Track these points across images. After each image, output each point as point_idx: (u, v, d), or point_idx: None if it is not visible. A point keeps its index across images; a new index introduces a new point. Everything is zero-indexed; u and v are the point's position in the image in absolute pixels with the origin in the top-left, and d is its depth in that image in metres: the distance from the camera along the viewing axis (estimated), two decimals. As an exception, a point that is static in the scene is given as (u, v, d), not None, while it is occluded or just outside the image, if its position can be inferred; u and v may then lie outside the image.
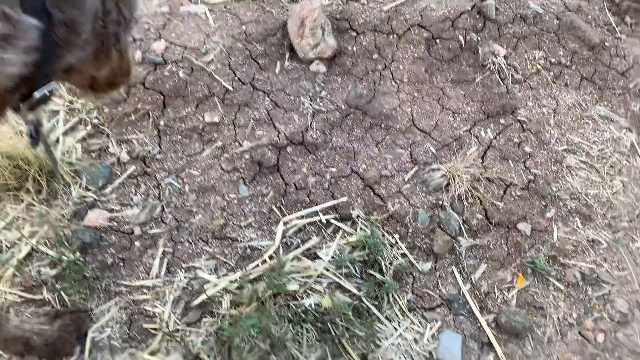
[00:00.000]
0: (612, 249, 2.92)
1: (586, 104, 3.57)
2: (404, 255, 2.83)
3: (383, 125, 3.32)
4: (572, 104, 3.54)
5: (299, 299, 2.64)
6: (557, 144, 3.31)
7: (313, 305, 2.59)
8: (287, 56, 3.48)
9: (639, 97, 3.61)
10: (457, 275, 2.79)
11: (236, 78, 3.35)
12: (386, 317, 2.65)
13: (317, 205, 2.94)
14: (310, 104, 3.30)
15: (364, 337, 2.55)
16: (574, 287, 2.78)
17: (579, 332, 2.64)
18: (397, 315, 2.66)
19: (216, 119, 3.25)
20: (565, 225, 2.98)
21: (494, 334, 2.61)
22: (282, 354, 2.48)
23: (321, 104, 3.33)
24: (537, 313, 2.70)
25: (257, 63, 3.40)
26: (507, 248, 2.89)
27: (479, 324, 2.64)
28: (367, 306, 2.65)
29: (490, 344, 2.59)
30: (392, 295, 2.71)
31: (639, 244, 2.96)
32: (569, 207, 3.05)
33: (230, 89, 3.29)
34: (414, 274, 2.80)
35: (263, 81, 3.37)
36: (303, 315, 2.56)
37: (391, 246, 2.85)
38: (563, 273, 2.81)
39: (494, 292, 2.75)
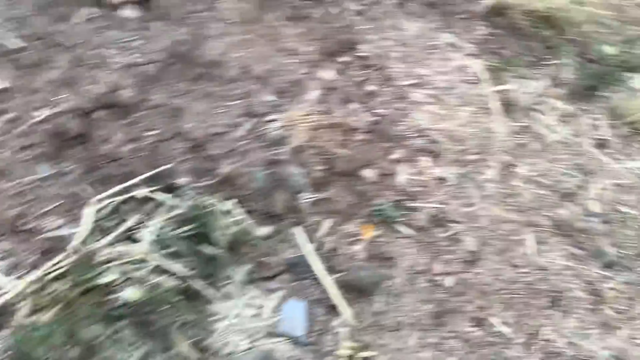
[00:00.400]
0: (460, 185, 2.81)
1: (431, 33, 3.37)
2: (240, 222, 2.53)
3: (211, 75, 2.92)
4: (417, 34, 3.33)
5: (117, 292, 2.28)
6: (403, 79, 3.10)
7: (132, 298, 2.24)
8: (89, 2, 2.93)
9: (485, 19, 3.47)
10: (301, 235, 2.55)
11: (25, 33, 2.76)
12: (222, 296, 2.37)
13: (134, 177, 2.54)
14: (120, 57, 2.82)
15: (196, 323, 2.26)
16: (422, 231, 2.64)
17: (428, 279, 2.52)
18: (234, 292, 2.39)
19: (5, 84, 2.69)
20: (411, 167, 2.82)
21: (341, 295, 2.42)
22: (97, 359, 2.14)
23: (135, 56, 2.86)
24: (386, 264, 2.54)
25: (50, 13, 2.83)
26: (353, 198, 2.68)
27: (324, 286, 2.44)
28: (198, 287, 2.34)
29: (336, 307, 2.40)
30: (228, 271, 2.42)
31: (487, 176, 2.87)
32: (415, 146, 2.89)
33: (19, 46, 2.72)
34: (254, 242, 2.52)
35: (60, 34, 2.82)
36: (120, 311, 2.20)
37: (226, 214, 2.53)
38: (411, 217, 2.66)
39: (341, 249, 2.55)
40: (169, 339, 2.25)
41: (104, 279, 2.29)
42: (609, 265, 2.67)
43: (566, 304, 2.52)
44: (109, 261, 2.35)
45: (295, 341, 2.30)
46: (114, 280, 2.30)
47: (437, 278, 2.54)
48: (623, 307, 2.57)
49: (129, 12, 2.95)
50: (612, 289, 2.61)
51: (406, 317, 2.42)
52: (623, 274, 2.66)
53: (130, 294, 2.09)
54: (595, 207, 2.87)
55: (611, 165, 3.07)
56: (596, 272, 2.64)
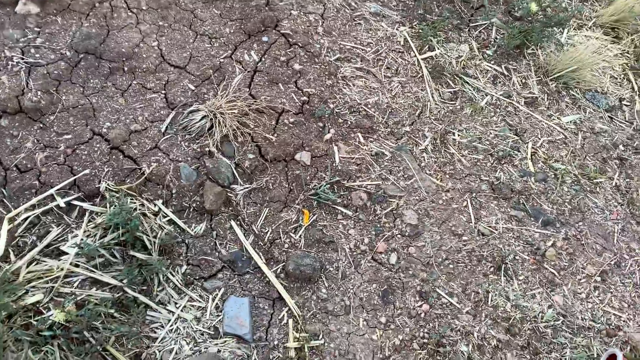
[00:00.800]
0: (397, 158, 2.78)
1: (355, 3, 3.29)
2: (170, 222, 2.42)
3: (126, 68, 2.75)
4: (341, 5, 3.24)
5: (45, 312, 2.14)
6: (329, 54, 3.01)
7: (61, 321, 2.11)
8: (-21, -1, 2.68)
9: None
10: (237, 229, 2.46)
11: None
12: (159, 302, 2.27)
13: (51, 187, 2.37)
14: (22, 58, 2.61)
15: (133, 334, 2.16)
16: (362, 209, 2.60)
17: (372, 258, 2.49)
18: (172, 296, 2.29)
19: None
20: (346, 145, 2.76)
21: (283, 285, 2.36)
22: (28, 388, 2.01)
23: (38, 55, 2.65)
24: (328, 248, 2.49)
25: None
26: (288, 184, 2.61)
27: (267, 279, 2.37)
28: (132, 296, 2.23)
29: (281, 298, 2.34)
30: (163, 275, 2.31)
31: (423, 146, 2.85)
32: (349, 123, 2.82)
33: None
34: (187, 241, 2.42)
35: (-50, 38, 2.58)
36: (49, 332, 2.07)
37: (154, 215, 2.41)
38: (349, 197, 2.61)
39: (280, 238, 2.48)
40: (107, 354, 2.14)
41: (29, 299, 2.14)
42: (547, 224, 2.72)
43: (510, 267, 2.55)
44: (32, 280, 2.20)
45: (241, 339, 2.23)
46: (40, 300, 2.16)
47: (381, 256, 2.52)
48: (564, 264, 2.62)
49: (28, 7, 2.72)
50: (552, 246, 2.66)
51: (353, 300, 2.39)
52: (562, 231, 2.72)
53: (57, 315, 1.97)
54: (531, 167, 2.91)
55: (543, 122, 3.11)
56: (536, 232, 2.68)
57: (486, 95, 3.14)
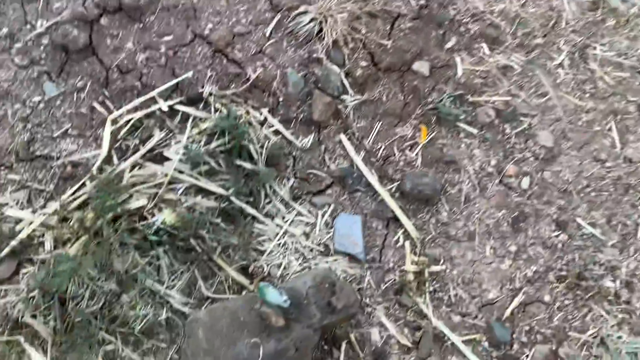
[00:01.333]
0: (527, 73, 2.45)
1: None
2: (277, 132, 2.24)
3: (228, -33, 2.54)
4: None
5: (150, 217, 2.05)
6: (450, -45, 2.66)
7: (168, 223, 2.01)
8: None
9: None
10: (347, 143, 2.26)
11: None
12: (266, 215, 2.12)
13: (153, 89, 2.25)
14: (121, -46, 2.45)
15: (240, 245, 2.03)
16: (488, 128, 2.32)
17: (500, 181, 2.23)
18: (279, 210, 2.13)
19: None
20: (470, 55, 2.46)
21: (399, 206, 2.15)
22: (134, 291, 1.94)
23: (138, -48, 2.48)
24: (448, 169, 2.25)
25: None
26: (404, 97, 2.36)
27: (380, 198, 2.17)
28: (239, 206, 2.09)
29: (396, 219, 2.13)
30: (270, 186, 2.16)
31: (558, 61, 2.49)
32: (472, 32, 2.51)
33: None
34: (294, 154, 2.24)
35: None
36: (155, 237, 1.98)
37: (260, 124, 2.24)
38: (474, 114, 2.33)
39: (394, 155, 2.26)
40: (212, 264, 2.03)
41: (133, 204, 2.05)
42: None
43: (662, 198, 2.21)
44: (136, 184, 2.11)
45: (353, 259, 2.06)
46: (144, 205, 2.07)
47: (511, 180, 2.24)
48: None
49: None
50: None
51: (478, 225, 2.14)
52: None
53: (167, 216, 1.85)
54: (689, 86, 2.49)
55: None
56: (695, 160, 2.30)
57: (633, 6, 2.70)
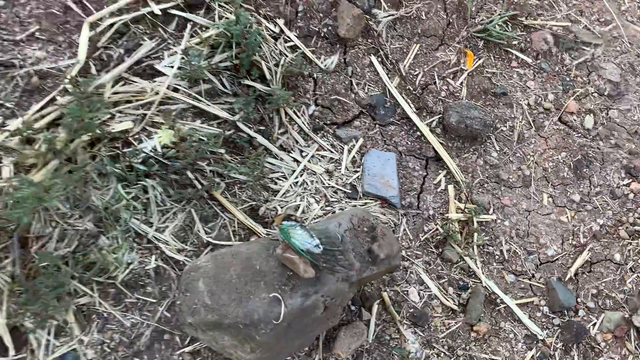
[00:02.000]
0: (590, -4, 2.09)
1: None
2: (295, 49, 1.85)
3: None
4: None
5: (137, 143, 1.66)
6: None
7: (159, 149, 1.63)
8: None
9: None
10: (379, 67, 1.89)
11: None
12: (281, 147, 1.75)
13: (143, -11, 1.83)
14: None
15: (250, 182, 1.66)
16: (545, 56, 1.97)
17: (560, 119, 1.88)
18: (297, 142, 1.76)
19: None
20: (525, -29, 2.08)
21: (442, 143, 1.79)
22: (115, 232, 1.56)
23: None
24: (498, 102, 1.90)
25: None
26: (447, 15, 1.98)
27: (418, 133, 1.81)
28: (248, 135, 1.72)
29: (437, 158, 1.79)
30: (285, 113, 1.78)
31: (623, -14, 2.14)
32: (527, -56, 2.12)
33: None
34: (315, 76, 1.86)
35: None
36: (144, 167, 1.60)
37: (274, 39, 1.85)
38: (528, 40, 1.97)
39: (435, 83, 1.89)
40: (214, 204, 1.66)
41: (116, 126, 1.66)
42: None
43: None
44: (120, 103, 1.71)
45: (386, 203, 1.71)
46: (130, 129, 1.68)
47: (572, 118, 1.90)
48: None
49: None
50: None
51: (534, 170, 1.81)
52: None
53: (163, 136, 1.46)
54: None
55: None
56: None
57: None
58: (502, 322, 1.60)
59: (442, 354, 1.54)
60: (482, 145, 1.84)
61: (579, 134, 1.87)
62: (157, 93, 1.73)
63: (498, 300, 1.62)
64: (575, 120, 1.89)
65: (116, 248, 1.56)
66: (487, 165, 1.81)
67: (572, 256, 1.70)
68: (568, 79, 1.96)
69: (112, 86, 1.74)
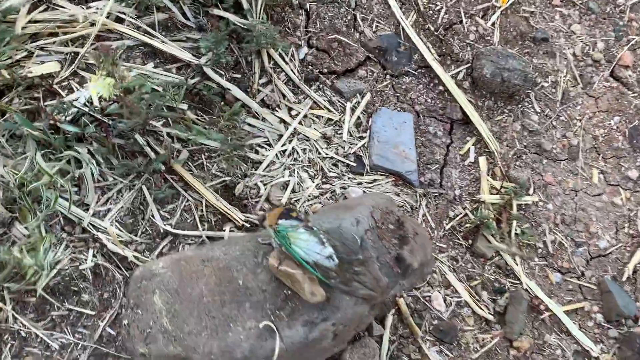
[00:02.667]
0: None
1: None
2: (281, -31, 1.40)
3: None
4: None
5: (64, 93, 1.21)
6: None
7: (96, 103, 1.18)
8: None
9: None
10: (392, 1, 1.46)
11: None
12: (263, 103, 1.33)
13: None
14: None
15: (224, 150, 1.24)
16: (594, -6, 1.58)
17: (612, 74, 1.52)
18: (284, 96, 1.34)
19: None
20: None
21: (470, 101, 1.41)
22: (35, 219, 1.13)
23: None
24: (537, 50, 1.51)
25: None
26: None
27: (441, 87, 1.42)
28: (218, 86, 1.28)
29: (465, 121, 1.40)
30: (269, 57, 1.35)
31: None
32: None
33: None
34: (308, 7, 1.42)
35: None
36: (75, 129, 1.15)
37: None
38: (575, -29, 1.57)
39: (461, 22, 1.48)
40: (174, 180, 1.24)
41: (35, 69, 1.20)
42: None
43: None
44: (40, 35, 1.24)
45: (400, 179, 1.33)
46: (55, 72, 1.22)
47: (627, 73, 1.54)
48: None
49: None
50: None
51: (582, 138, 1.45)
52: None
53: (101, 86, 1.00)
54: None
55: None
56: None
57: None
58: (547, 334, 1.28)
59: (476, 381, 1.21)
60: (520, 106, 1.46)
61: (635, 94, 1.51)
62: (92, 24, 1.26)
63: (542, 307, 1.29)
64: (630, 76, 1.53)
65: (37, 242, 1.13)
66: (525, 131, 1.44)
67: (628, 249, 1.37)
68: (621, 23, 1.58)
69: (29, 12, 1.26)
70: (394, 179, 1.34)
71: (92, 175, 1.19)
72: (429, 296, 1.26)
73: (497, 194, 1.35)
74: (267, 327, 0.91)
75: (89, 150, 1.20)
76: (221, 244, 1.01)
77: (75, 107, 1.19)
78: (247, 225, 1.23)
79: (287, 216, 0.90)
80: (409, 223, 1.01)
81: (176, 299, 0.98)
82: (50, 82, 1.24)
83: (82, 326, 1.15)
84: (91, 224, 1.18)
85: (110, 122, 1.19)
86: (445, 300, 1.26)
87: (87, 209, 1.19)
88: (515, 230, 1.33)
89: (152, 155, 1.22)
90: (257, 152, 1.30)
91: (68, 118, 1.18)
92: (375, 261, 0.94)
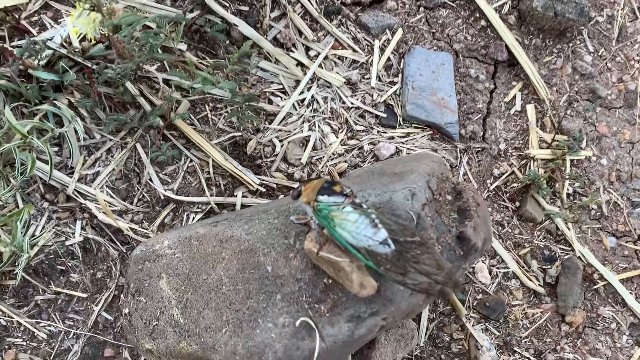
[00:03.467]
0: None
1: None
2: None
3: None
4: None
5: (34, 31, 0.99)
6: None
7: (75, 44, 0.97)
8: None
9: None
10: None
11: None
12: (276, 42, 1.12)
13: None
14: None
15: (234, 100, 1.04)
16: None
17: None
18: (300, 34, 1.13)
19: None
20: None
21: (517, 39, 1.21)
22: (8, 187, 0.94)
23: None
24: (590, -21, 1.30)
25: None
26: None
27: (483, 23, 1.22)
28: (223, 21, 1.07)
29: (510, 63, 1.22)
30: (281, -16, 1.14)
31: None
32: None
33: None
34: None
35: None
36: (51, 76, 0.94)
37: None
38: None
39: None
40: (174, 137, 1.05)
41: (-7, 1, 0.98)
42: None
43: None
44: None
45: (438, 131, 1.15)
46: (22, 4, 1.00)
47: (693, 4, 1.34)
48: None
49: None
50: None
51: (643, 81, 1.28)
52: None
53: (83, 23, 0.78)
54: None
55: None
56: None
57: None
58: (601, 306, 1.15)
59: (526, 362, 1.08)
60: (571, 44, 1.27)
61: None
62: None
63: (595, 276, 1.15)
64: (696, 8, 1.34)
65: (11, 214, 0.94)
66: (576, 74, 1.26)
67: (690, 208, 1.24)
68: (686, -55, 1.37)
69: None
70: (431, 132, 1.16)
71: (76, 132, 1.00)
72: (472, 267, 1.11)
73: (547, 148, 1.19)
74: (304, 324, 0.75)
75: (69, 102, 1.00)
76: (241, 221, 0.84)
77: (50, 48, 0.97)
78: (263, 189, 1.05)
79: (329, 191, 0.72)
80: (468, 191, 0.84)
81: (188, 287, 0.82)
82: (17, 16, 1.01)
83: (73, 311, 0.99)
84: (77, 190, 1.00)
85: (94, 67, 0.98)
86: (490, 272, 1.12)
87: (72, 174, 1.00)
88: (568, 190, 1.18)
89: (147, 106, 1.03)
90: (270, 101, 1.11)
91: (42, 62, 0.97)
92: (436, 243, 0.77)
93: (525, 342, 1.09)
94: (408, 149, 1.13)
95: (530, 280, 1.12)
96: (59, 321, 0.98)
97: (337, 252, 0.72)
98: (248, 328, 0.77)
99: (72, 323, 0.98)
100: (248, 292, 0.78)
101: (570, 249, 1.16)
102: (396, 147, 1.13)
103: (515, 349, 1.08)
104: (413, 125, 1.16)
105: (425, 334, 1.06)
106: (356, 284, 0.72)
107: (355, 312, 0.76)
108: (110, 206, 1.00)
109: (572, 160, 1.20)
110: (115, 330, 0.99)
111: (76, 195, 1.00)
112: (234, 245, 0.81)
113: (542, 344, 1.10)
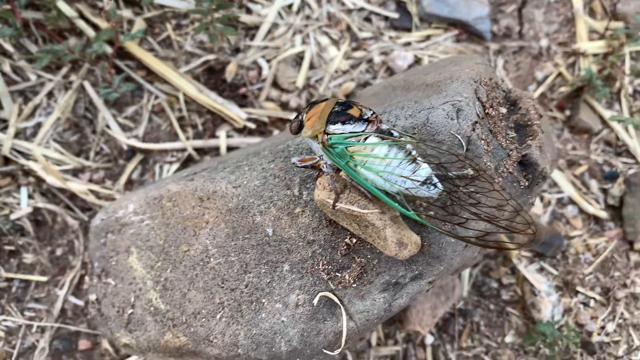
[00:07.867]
0: None
1: None
2: None
3: None
4: None
5: None
6: None
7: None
8: None
9: None
10: None
11: None
12: None
13: None
14: None
15: (203, 15, 0.81)
16: None
17: None
18: None
19: None
20: None
21: None
22: None
23: None
24: None
25: None
26: None
27: None
28: None
29: None
30: None
31: None
32: None
33: None
34: None
35: None
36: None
37: None
38: None
39: None
40: (127, 65, 0.83)
41: None
42: None
43: None
44: None
45: (465, 33, 0.93)
46: None
47: None
48: None
49: None
50: None
51: None
52: None
53: None
54: None
55: None
56: None
57: None
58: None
59: (593, 304, 0.91)
60: None
61: None
62: None
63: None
64: None
65: None
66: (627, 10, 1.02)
67: None
68: None
69: None
70: (456, 32, 0.93)
71: (2, 74, 0.78)
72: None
73: (600, 39, 0.96)
74: (324, 300, 0.57)
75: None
76: (226, 170, 0.63)
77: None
78: (251, 125, 0.84)
79: (343, 116, 0.52)
80: (526, 99, 0.64)
81: (166, 263, 0.63)
82: None
83: (33, 300, 0.81)
84: (15, 149, 0.79)
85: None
86: (542, 199, 0.93)
87: (6, 128, 0.79)
88: (629, 89, 0.97)
89: (90, 32, 0.80)
90: (249, 10, 0.88)
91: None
92: (495, 174, 0.57)
93: (590, 279, 0.92)
94: (430, 55, 0.91)
95: (590, 204, 0.93)
96: (16, 313, 0.80)
97: (362, 201, 0.52)
98: (250, 312, 0.58)
99: (33, 314, 0.80)
100: (244, 265, 0.59)
101: (634, 161, 0.97)
102: (415, 56, 0.91)
103: (578, 288, 0.91)
104: (433, 25, 0.93)
105: (469, 282, 0.88)
106: (392, 242, 0.52)
107: (392, 277, 0.57)
108: (60, 165, 0.80)
109: (631, 52, 0.98)
110: (88, 316, 0.81)
111: (15, 156, 0.79)
112: (219, 203, 0.61)
113: (609, 280, 0.92)
